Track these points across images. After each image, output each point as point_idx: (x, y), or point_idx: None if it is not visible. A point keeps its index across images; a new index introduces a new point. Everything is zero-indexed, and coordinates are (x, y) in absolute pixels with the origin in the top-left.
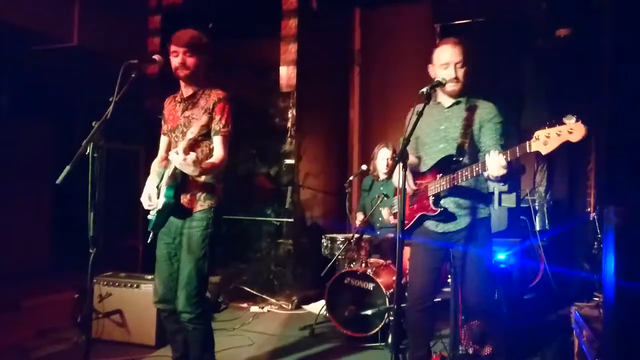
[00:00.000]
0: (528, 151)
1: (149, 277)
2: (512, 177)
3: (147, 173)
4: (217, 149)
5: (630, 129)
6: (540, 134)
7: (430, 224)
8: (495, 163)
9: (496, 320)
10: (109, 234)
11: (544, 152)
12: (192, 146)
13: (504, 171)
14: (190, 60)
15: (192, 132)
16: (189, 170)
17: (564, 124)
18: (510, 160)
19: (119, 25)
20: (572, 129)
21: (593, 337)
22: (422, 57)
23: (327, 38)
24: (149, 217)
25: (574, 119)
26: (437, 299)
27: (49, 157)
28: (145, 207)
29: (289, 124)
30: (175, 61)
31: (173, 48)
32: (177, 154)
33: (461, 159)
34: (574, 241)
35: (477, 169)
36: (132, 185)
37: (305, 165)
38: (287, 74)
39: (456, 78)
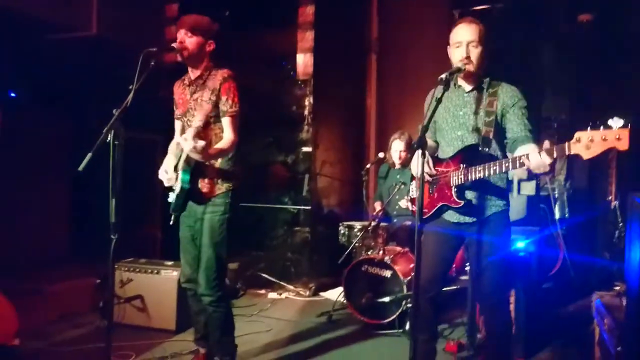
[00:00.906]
0: (567, 153)
1: (169, 263)
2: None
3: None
4: (226, 131)
5: None
6: (582, 135)
7: (447, 214)
8: (539, 163)
9: (504, 313)
10: (127, 222)
11: (585, 157)
12: (204, 129)
13: (547, 168)
14: (190, 41)
15: (200, 120)
16: (198, 157)
17: (610, 127)
18: (554, 158)
19: (136, 14)
20: (620, 135)
21: (614, 325)
22: (439, 44)
23: (344, 26)
24: (169, 199)
25: (621, 122)
26: (448, 288)
27: (67, 146)
28: (163, 180)
29: (305, 112)
30: (177, 44)
31: (177, 31)
32: (186, 140)
33: (487, 149)
34: (594, 230)
35: (506, 164)
36: (150, 174)
37: (322, 153)
38: (303, 61)
39: (468, 57)
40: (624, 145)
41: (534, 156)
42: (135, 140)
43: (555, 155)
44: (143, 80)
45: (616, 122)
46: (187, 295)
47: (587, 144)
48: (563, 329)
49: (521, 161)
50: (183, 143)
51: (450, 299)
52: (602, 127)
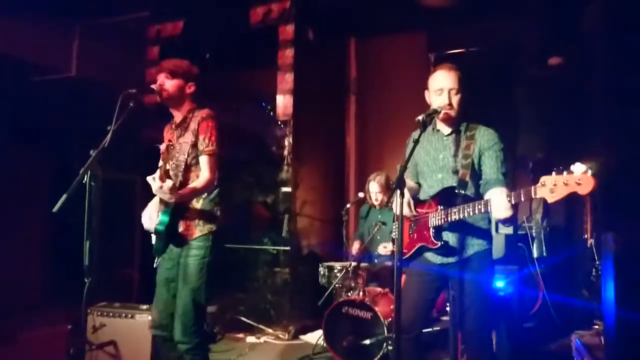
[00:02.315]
0: (533, 197)
1: (144, 307)
2: (515, 218)
3: (144, 203)
4: (203, 170)
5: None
6: (546, 180)
7: (429, 255)
8: (500, 206)
9: (488, 351)
10: (105, 264)
11: (549, 201)
12: (185, 172)
13: (509, 213)
14: (170, 83)
15: (177, 160)
16: (166, 197)
17: (571, 172)
18: (516, 203)
19: (117, 55)
20: (581, 181)
21: None
22: (417, 85)
23: (323, 67)
24: (153, 241)
25: (583, 168)
26: (430, 329)
27: (44, 188)
28: (145, 227)
29: (285, 152)
30: (156, 86)
31: (157, 75)
32: (154, 180)
33: (463, 191)
34: (572, 269)
35: (479, 207)
36: (128, 215)
37: (302, 193)
38: (283, 102)
39: (450, 104)
40: (584, 190)
41: (494, 201)
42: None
43: (514, 201)
44: (122, 121)
45: (578, 168)
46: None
47: (551, 188)
48: None
49: (481, 206)
50: (151, 182)
51: (432, 340)
52: (564, 172)
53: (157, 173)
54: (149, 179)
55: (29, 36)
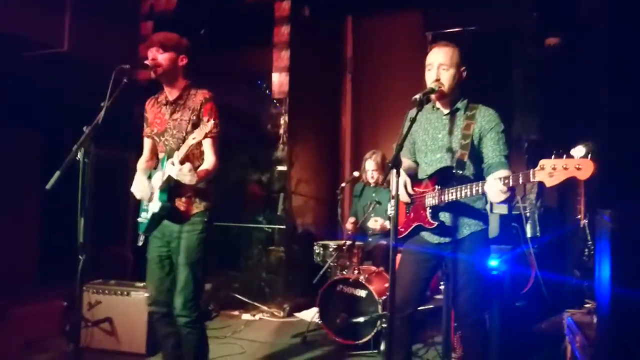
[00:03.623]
0: (531, 180)
1: (140, 284)
2: (514, 198)
3: None
4: (208, 154)
5: (623, 134)
6: (545, 163)
7: (425, 235)
8: (494, 190)
9: (481, 331)
10: (97, 242)
11: (547, 184)
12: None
13: (504, 196)
14: (162, 57)
15: (195, 138)
16: (186, 179)
17: (571, 156)
18: (514, 186)
19: (110, 31)
20: (580, 165)
21: (586, 342)
22: (413, 64)
23: (319, 45)
24: (140, 220)
25: (583, 151)
26: (422, 307)
27: (36, 165)
28: (137, 197)
29: (281, 131)
30: (149, 62)
31: (148, 50)
32: (174, 164)
33: (460, 172)
34: (564, 248)
35: (477, 188)
36: (121, 193)
37: (297, 172)
38: (279, 80)
39: (438, 80)
40: (584, 174)
41: (488, 186)
42: (106, 158)
43: (511, 184)
44: (115, 97)
45: (578, 152)
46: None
47: (549, 172)
48: (536, 347)
49: (478, 188)
50: (170, 168)
51: (425, 318)
52: (564, 156)
53: (176, 157)
54: (168, 164)
55: (19, 10)
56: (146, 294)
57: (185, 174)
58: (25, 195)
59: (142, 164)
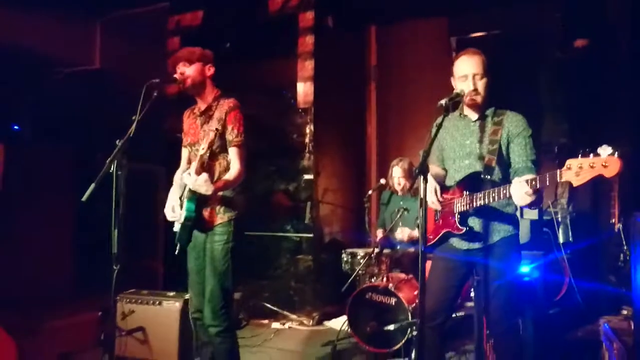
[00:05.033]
0: (559, 180)
1: (171, 294)
2: (541, 202)
3: (167, 194)
4: (233, 162)
5: None
6: (572, 163)
7: (455, 241)
8: (520, 192)
9: (514, 338)
10: (129, 254)
11: (575, 184)
12: (210, 160)
13: (530, 199)
14: (189, 70)
15: (203, 149)
16: (202, 189)
17: (598, 155)
18: (539, 188)
19: (139, 47)
20: (607, 163)
21: (624, 349)
22: (438, 71)
23: (344, 54)
24: (175, 229)
25: (609, 150)
26: (455, 315)
27: (69, 180)
28: (169, 218)
29: (306, 140)
30: (178, 75)
31: (176, 67)
32: (190, 175)
33: (489, 177)
34: (598, 254)
35: (504, 191)
36: (153, 206)
37: (324, 180)
38: (304, 90)
39: (475, 90)
40: (610, 172)
41: (513, 189)
42: (137, 172)
43: (539, 185)
44: (146, 111)
45: (604, 150)
46: (191, 327)
47: (576, 171)
48: (572, 355)
49: (506, 191)
50: (187, 178)
51: (456, 326)
52: (591, 155)
53: (192, 168)
54: (185, 175)
55: (53, 31)
56: (177, 304)
57: (200, 185)
58: (59, 209)
59: (178, 176)
